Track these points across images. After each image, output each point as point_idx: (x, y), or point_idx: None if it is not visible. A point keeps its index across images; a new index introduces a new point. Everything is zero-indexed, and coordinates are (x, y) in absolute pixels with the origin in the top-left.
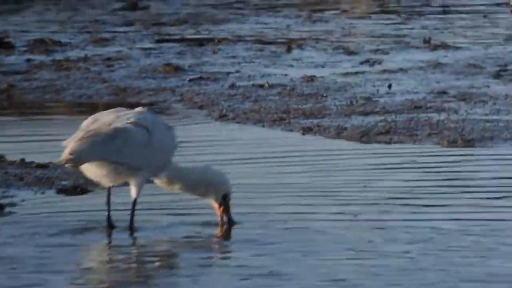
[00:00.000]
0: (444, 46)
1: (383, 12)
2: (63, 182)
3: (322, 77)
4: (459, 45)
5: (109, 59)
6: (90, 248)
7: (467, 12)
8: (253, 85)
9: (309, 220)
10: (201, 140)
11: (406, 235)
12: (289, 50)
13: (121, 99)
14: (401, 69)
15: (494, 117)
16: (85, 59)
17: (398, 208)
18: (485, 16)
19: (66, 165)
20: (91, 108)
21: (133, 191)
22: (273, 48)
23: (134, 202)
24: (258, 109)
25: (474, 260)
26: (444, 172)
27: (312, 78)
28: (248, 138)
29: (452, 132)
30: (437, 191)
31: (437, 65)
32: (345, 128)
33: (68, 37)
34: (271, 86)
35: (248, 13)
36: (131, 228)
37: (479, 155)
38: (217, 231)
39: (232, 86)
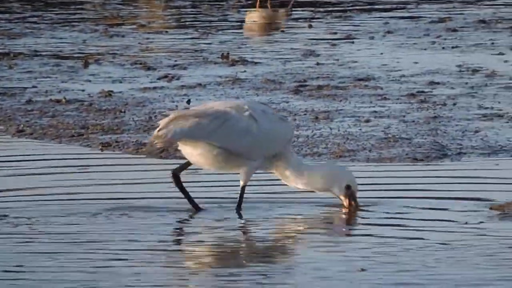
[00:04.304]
0: (243, 62)
1: (180, 26)
2: None
3: (120, 92)
4: (257, 60)
5: None
6: None
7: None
8: (50, 100)
9: None
10: None
11: None
12: (86, 65)
13: None
14: (199, 85)
15: (294, 132)
16: None
17: None
18: (283, 31)
19: (156, 143)
20: None
21: (240, 178)
22: (70, 63)
23: (242, 189)
24: (56, 125)
25: None
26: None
27: (110, 94)
28: (45, 154)
29: None
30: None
31: (235, 81)
32: (144, 144)
33: None
34: (69, 102)
35: (44, 28)
36: (239, 213)
37: None
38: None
39: (29, 101)
